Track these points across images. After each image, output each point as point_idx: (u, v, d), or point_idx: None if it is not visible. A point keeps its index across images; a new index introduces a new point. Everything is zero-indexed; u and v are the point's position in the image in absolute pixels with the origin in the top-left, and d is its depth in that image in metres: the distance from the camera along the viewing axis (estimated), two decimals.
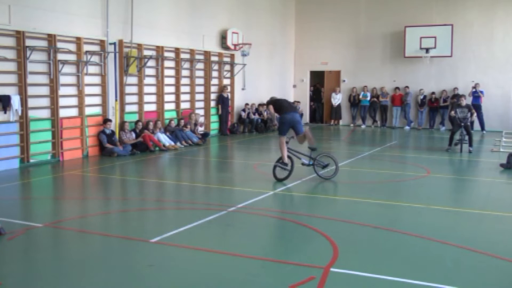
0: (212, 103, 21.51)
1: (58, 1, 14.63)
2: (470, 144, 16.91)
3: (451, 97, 24.36)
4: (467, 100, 20.38)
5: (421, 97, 25.25)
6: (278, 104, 12.35)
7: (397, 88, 25.70)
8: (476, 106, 23.00)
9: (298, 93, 28.47)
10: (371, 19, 26.48)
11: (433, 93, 25.10)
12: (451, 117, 18.07)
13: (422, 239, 7.60)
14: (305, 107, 28.23)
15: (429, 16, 25.08)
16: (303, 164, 12.23)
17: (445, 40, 24.21)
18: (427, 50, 24.45)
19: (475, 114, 17.64)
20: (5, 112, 13.25)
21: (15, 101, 13.35)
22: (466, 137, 16.92)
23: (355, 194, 10.58)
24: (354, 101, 26.66)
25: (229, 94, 22.17)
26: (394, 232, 7.98)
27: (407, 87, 25.37)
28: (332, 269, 6.27)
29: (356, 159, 15.39)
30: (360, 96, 26.40)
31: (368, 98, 26.19)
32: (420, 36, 24.48)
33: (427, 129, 25.02)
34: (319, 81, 28.67)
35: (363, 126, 26.49)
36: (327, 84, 28.12)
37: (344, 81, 27.33)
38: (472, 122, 17.51)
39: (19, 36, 13.55)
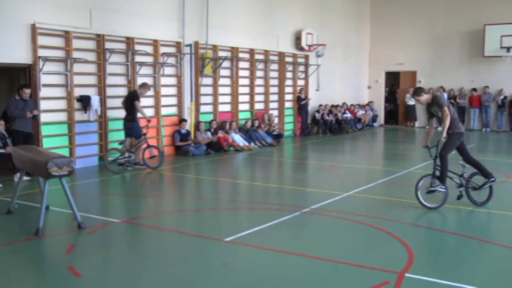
0: (287, 104, 21.52)
1: (136, 5, 15.00)
2: (485, 176, 9.50)
3: None
4: None
5: (502, 97, 24.33)
6: None
7: (473, 89, 24.85)
8: None
9: (372, 94, 28.06)
10: (448, 18, 25.70)
11: None
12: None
13: (505, 248, 7.28)
14: (379, 108, 27.81)
15: (510, 13, 24.08)
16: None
17: None
18: (508, 49, 23.48)
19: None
20: (85, 112, 13.71)
21: (95, 101, 13.81)
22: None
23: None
24: None
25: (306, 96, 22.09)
26: (472, 239, 7.70)
27: (486, 87, 24.51)
28: (407, 275, 6.12)
29: (431, 163, 14.98)
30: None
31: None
32: (500, 35, 23.52)
33: (507, 132, 24.07)
34: (395, 82, 28.19)
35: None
36: (403, 84, 27.55)
37: (420, 81, 26.71)
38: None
39: (99, 39, 13.99)
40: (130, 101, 13.36)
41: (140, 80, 15.05)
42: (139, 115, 13.50)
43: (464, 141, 9.54)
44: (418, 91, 9.83)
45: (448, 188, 9.31)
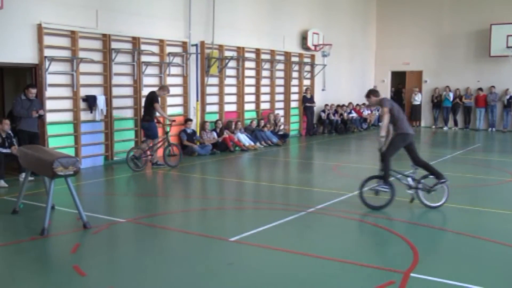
0: (293, 104, 21.50)
1: (142, 5, 15.01)
2: (437, 177, 9.45)
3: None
4: None
5: (507, 97, 24.21)
6: None
7: (479, 89, 24.74)
8: None
9: None
10: (454, 18, 25.62)
11: None
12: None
13: (509, 247, 7.26)
14: None
15: None
16: None
17: None
18: None
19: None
20: (91, 112, 13.74)
21: (101, 101, 13.83)
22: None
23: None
24: (437, 102, 25.90)
25: (312, 96, 22.09)
26: (477, 238, 7.66)
27: (492, 86, 24.39)
28: (412, 274, 6.10)
29: (437, 162, 14.94)
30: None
31: (451, 99, 25.34)
32: (507, 34, 23.43)
33: None
34: (400, 82, 28.12)
35: (445, 128, 25.67)
36: (409, 84, 27.49)
37: (426, 81, 26.64)
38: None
39: (106, 39, 14.01)
40: (149, 102, 13.59)
41: (146, 80, 15.11)
42: (156, 114, 13.75)
43: (414, 143, 9.46)
44: (368, 93, 9.76)
45: (396, 188, 9.33)
